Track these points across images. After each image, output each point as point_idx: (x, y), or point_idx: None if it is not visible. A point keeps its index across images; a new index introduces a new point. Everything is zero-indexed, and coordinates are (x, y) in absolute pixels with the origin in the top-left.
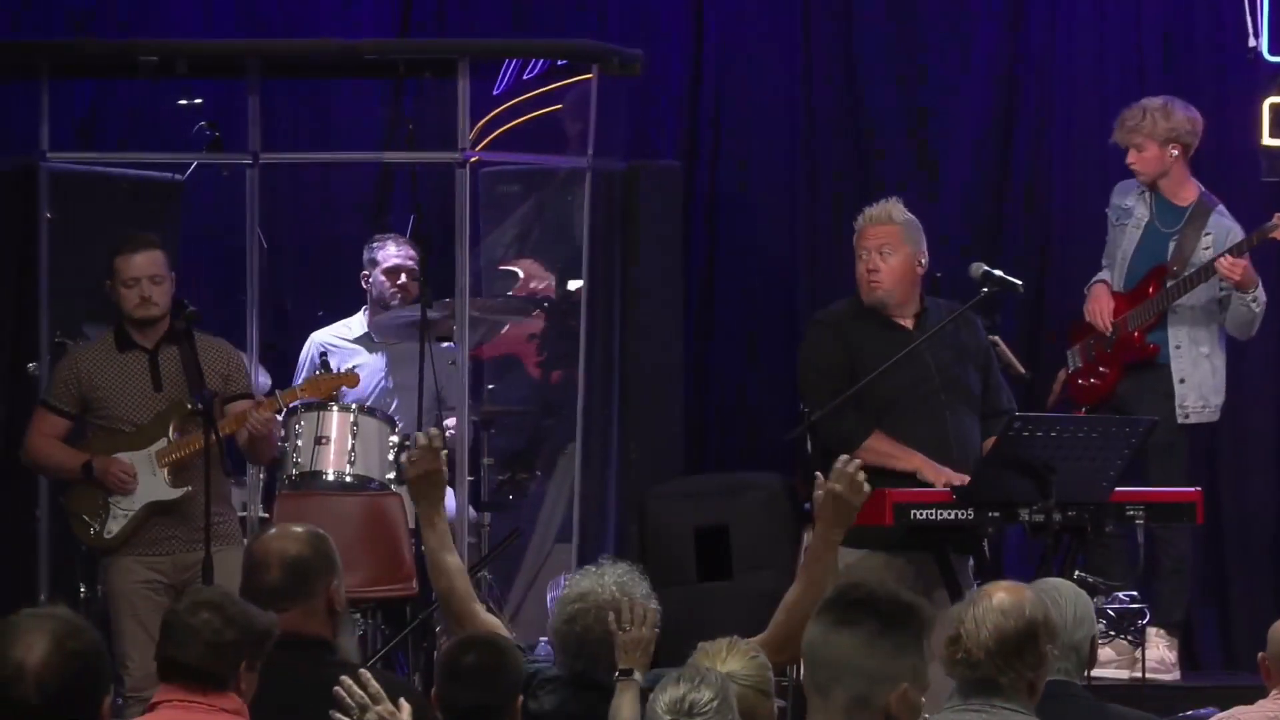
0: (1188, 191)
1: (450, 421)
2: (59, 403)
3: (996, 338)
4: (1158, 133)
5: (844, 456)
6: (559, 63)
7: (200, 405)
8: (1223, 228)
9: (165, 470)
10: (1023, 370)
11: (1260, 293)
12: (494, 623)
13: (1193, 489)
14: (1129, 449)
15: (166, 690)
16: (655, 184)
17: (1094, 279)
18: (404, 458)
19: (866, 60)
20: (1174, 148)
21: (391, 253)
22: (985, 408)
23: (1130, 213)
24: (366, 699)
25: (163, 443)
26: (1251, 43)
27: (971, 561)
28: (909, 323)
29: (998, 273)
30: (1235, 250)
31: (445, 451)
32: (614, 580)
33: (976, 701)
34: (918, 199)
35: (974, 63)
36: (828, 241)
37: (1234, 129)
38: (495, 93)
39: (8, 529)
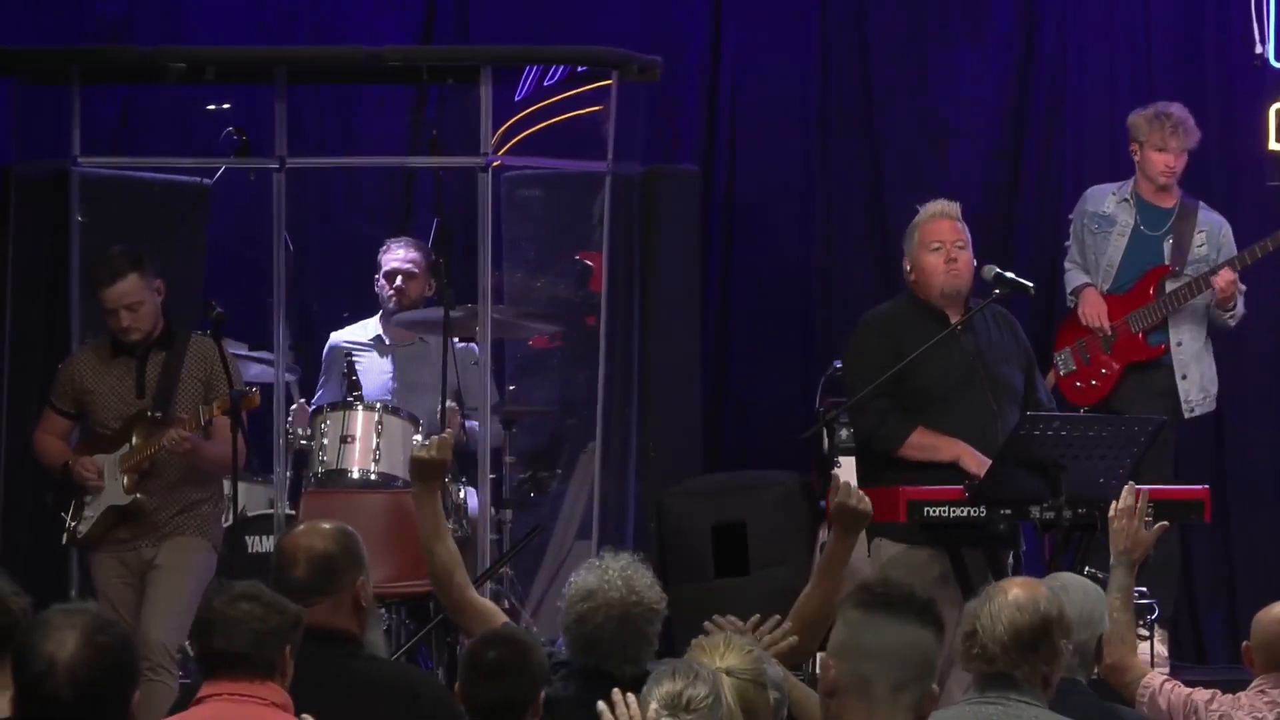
0: (1173, 194)
1: (473, 423)
2: (59, 403)
3: None
4: (1193, 140)
5: (843, 482)
6: (579, 69)
7: (158, 414)
8: (1214, 223)
9: (124, 476)
10: None
11: (1239, 309)
12: (492, 609)
13: (1200, 487)
14: (1138, 447)
15: (213, 684)
16: (674, 188)
17: (1078, 284)
18: (418, 439)
19: (882, 65)
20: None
21: (391, 256)
22: (1027, 405)
23: (1113, 220)
24: None
25: (125, 448)
26: (1258, 50)
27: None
28: (957, 320)
29: (1009, 274)
30: (1260, 250)
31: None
32: (619, 575)
33: (992, 694)
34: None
35: (987, 68)
36: (843, 244)
37: (1240, 135)
38: (516, 99)
39: (42, 527)
